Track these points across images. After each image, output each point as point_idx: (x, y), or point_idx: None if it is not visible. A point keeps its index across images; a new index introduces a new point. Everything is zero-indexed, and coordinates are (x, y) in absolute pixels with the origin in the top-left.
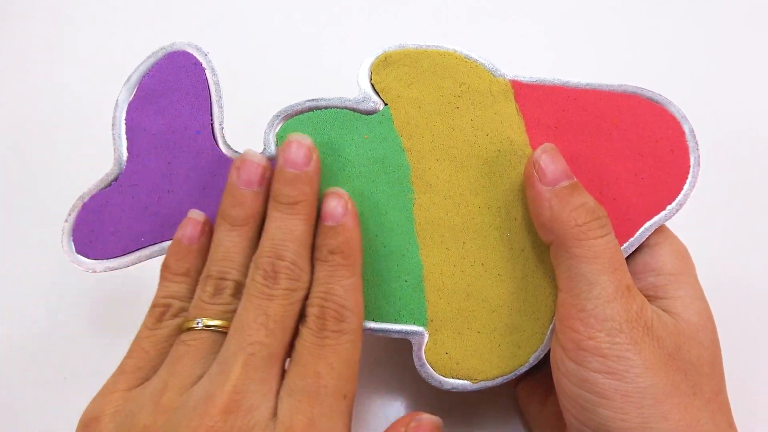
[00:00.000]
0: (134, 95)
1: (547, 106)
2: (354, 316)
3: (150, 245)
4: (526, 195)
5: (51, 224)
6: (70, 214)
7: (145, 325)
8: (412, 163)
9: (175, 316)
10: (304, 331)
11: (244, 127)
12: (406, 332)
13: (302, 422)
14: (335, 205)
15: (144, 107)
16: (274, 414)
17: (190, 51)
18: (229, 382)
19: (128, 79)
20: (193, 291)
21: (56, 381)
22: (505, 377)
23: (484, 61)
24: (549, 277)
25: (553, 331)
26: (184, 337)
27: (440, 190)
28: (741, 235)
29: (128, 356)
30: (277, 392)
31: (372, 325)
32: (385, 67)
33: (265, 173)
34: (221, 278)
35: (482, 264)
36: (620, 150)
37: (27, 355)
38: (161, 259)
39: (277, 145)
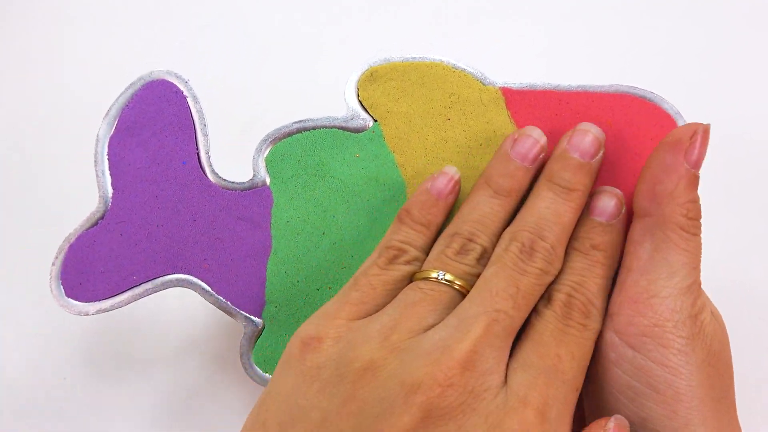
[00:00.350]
0: (115, 129)
1: (539, 112)
2: (599, 316)
3: (143, 283)
4: (652, 155)
5: (51, 224)
6: (57, 257)
7: (374, 263)
8: (406, 178)
9: (408, 263)
10: (548, 313)
11: (244, 129)
12: None
13: (537, 399)
14: (612, 204)
15: (126, 140)
16: (504, 383)
17: (170, 79)
18: (468, 339)
19: (108, 113)
20: (428, 245)
21: (56, 380)
22: None
23: (472, 70)
24: None
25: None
26: (422, 284)
27: None
28: (738, 236)
29: (354, 288)
30: (507, 365)
31: None
32: (371, 82)
33: (541, 153)
34: (470, 239)
35: None
36: (617, 151)
37: (27, 355)
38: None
39: (267, 170)
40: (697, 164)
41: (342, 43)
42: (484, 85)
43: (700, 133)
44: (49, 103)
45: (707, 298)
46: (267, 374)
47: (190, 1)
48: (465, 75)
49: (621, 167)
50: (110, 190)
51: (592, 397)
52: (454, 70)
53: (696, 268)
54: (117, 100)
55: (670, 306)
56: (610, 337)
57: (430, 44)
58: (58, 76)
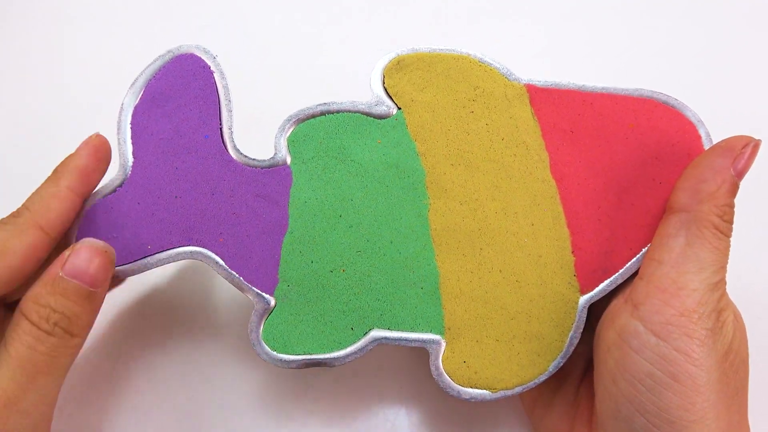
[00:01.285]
0: (140, 99)
1: (562, 110)
2: None
3: (157, 253)
4: (701, 156)
5: None
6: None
7: None
8: (426, 168)
9: None
10: None
11: (243, 128)
12: (423, 341)
13: None
14: None
15: (150, 111)
16: None
17: (198, 54)
18: None
19: (134, 83)
20: None
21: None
22: (525, 386)
23: (498, 65)
24: (568, 283)
25: (570, 335)
26: None
27: (456, 196)
28: (737, 236)
29: None
30: None
31: (388, 333)
32: (398, 70)
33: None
34: None
35: (500, 270)
36: (637, 155)
37: None
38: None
39: (289, 150)
40: (742, 174)
41: (342, 43)
42: (509, 80)
43: (750, 146)
44: (49, 104)
45: (730, 299)
46: (275, 352)
47: (190, 2)
48: (491, 69)
49: (640, 172)
50: (131, 159)
51: (606, 385)
52: (480, 63)
53: (723, 267)
54: (144, 71)
55: (697, 299)
56: (634, 325)
57: (429, 44)
58: (58, 76)
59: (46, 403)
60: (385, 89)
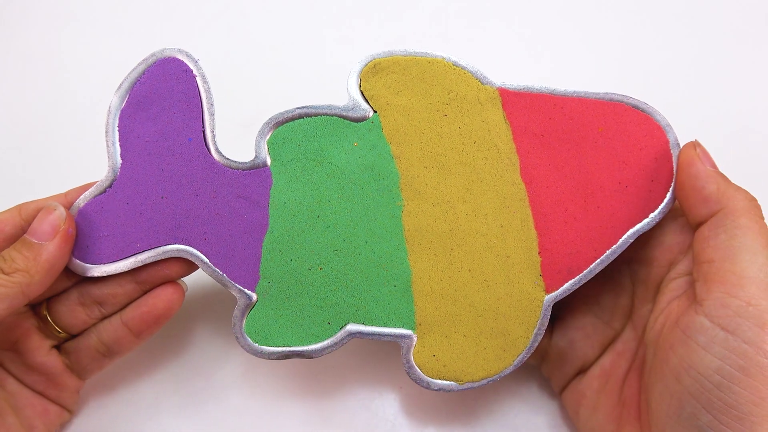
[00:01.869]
0: (126, 102)
1: (534, 114)
2: None
3: (145, 250)
4: (680, 177)
5: None
6: None
7: None
8: (401, 170)
9: None
10: None
11: (242, 127)
12: (396, 335)
13: None
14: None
15: (136, 114)
16: None
17: (181, 57)
18: None
19: (120, 86)
20: None
21: None
22: (491, 379)
23: (472, 69)
24: (534, 283)
25: (540, 334)
26: None
27: (428, 198)
28: None
29: None
30: None
31: (363, 328)
32: (374, 74)
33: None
34: None
35: (469, 270)
36: (605, 158)
37: None
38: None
39: (269, 152)
40: (713, 165)
41: (341, 42)
42: (482, 84)
43: (698, 145)
44: (48, 104)
45: None
46: (257, 344)
47: (190, 2)
48: (464, 73)
49: (608, 175)
50: (119, 161)
51: (668, 383)
52: (454, 67)
53: None
54: (129, 74)
55: (761, 286)
56: (699, 321)
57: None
58: (58, 76)
59: None
60: (362, 92)
